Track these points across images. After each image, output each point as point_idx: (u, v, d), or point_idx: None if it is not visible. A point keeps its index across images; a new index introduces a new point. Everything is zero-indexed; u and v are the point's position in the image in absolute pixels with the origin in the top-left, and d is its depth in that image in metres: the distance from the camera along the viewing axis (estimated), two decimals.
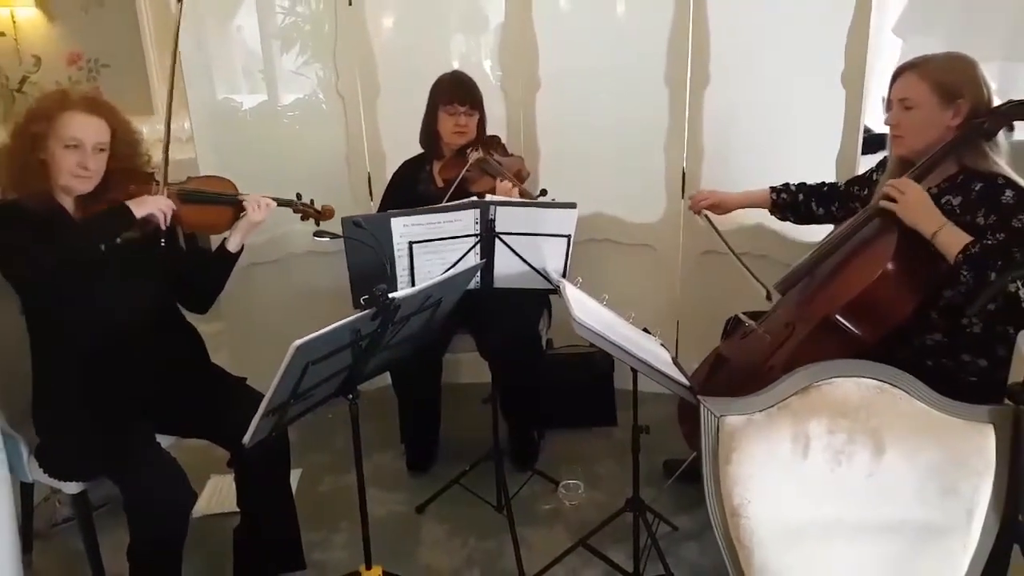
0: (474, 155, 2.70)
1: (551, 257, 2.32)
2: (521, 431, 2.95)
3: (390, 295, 1.70)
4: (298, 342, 1.55)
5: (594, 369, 3.17)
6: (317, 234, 2.13)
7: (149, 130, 2.63)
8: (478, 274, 2.31)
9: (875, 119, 3.00)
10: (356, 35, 3.19)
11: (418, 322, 1.96)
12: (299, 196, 2.46)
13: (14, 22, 4.82)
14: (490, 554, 2.49)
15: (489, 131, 2.88)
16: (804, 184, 2.52)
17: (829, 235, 2.31)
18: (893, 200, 1.99)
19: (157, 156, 2.30)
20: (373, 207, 3.21)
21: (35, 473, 2.18)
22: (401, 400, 2.94)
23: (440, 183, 2.82)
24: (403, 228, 2.23)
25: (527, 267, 2.32)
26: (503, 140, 2.93)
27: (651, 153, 3.18)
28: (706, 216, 2.59)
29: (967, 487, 1.45)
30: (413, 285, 2.19)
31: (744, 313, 2.39)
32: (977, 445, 1.46)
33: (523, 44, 3.18)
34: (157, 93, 4.96)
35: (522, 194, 2.53)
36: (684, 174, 3.15)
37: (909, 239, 1.96)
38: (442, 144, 2.85)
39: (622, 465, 2.85)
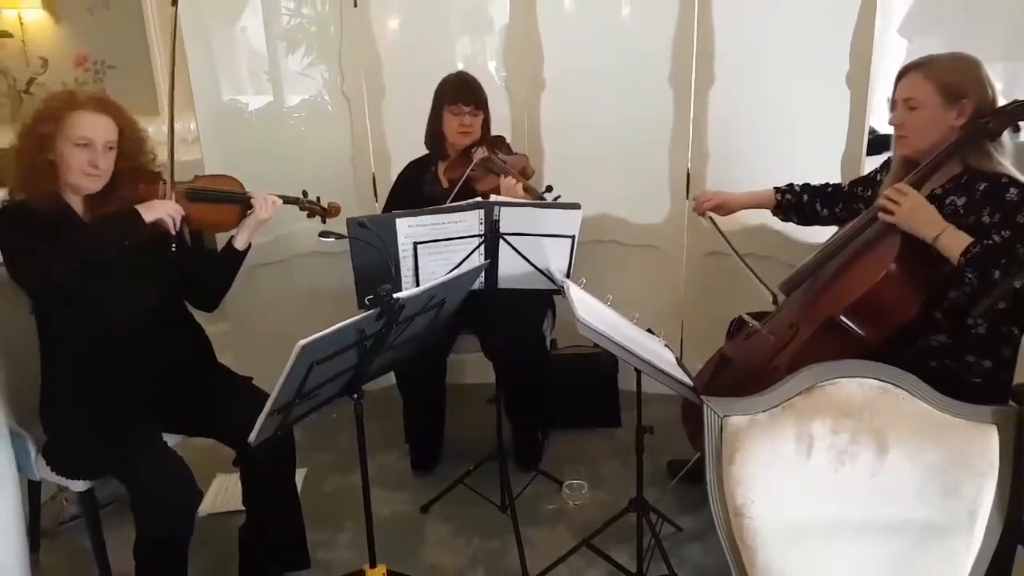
0: (479, 154, 2.70)
1: (555, 258, 2.33)
2: (525, 431, 2.96)
3: (394, 295, 1.71)
4: (303, 342, 1.56)
5: (598, 370, 3.18)
6: (322, 234, 2.14)
7: (155, 130, 2.64)
8: (482, 274, 2.32)
9: (880, 120, 2.99)
10: (361, 36, 3.20)
11: (422, 322, 1.97)
12: (305, 194, 2.47)
13: (21, 24, 4.85)
14: (494, 554, 2.50)
15: (494, 132, 2.89)
16: (808, 185, 2.52)
17: (833, 236, 2.31)
18: (890, 212, 2.00)
19: (163, 156, 2.31)
20: (378, 208, 3.22)
21: (42, 471, 2.19)
22: (406, 400, 2.95)
23: (445, 183, 2.82)
24: (408, 228, 2.23)
25: (531, 268, 2.32)
26: (507, 141, 2.94)
27: (655, 154, 3.19)
28: (710, 218, 2.59)
29: (970, 488, 1.45)
30: (418, 285, 2.19)
31: (748, 314, 2.39)
32: (980, 446, 1.45)
33: (527, 45, 3.19)
34: (163, 94, 4.98)
35: (527, 190, 2.53)
36: (688, 175, 3.16)
37: (912, 240, 1.96)
38: (447, 144, 2.85)
39: (626, 465, 2.85)
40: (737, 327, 2.53)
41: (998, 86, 2.03)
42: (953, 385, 1.55)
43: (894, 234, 2.01)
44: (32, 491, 2.42)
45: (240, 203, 2.31)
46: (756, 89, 2.97)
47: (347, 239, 2.15)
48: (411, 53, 3.27)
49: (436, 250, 2.28)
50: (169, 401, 2.19)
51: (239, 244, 2.32)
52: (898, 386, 1.49)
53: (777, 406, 1.50)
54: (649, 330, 2.17)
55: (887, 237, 2.04)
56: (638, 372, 2.02)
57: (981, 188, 1.96)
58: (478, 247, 2.30)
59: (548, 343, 3.02)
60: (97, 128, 2.07)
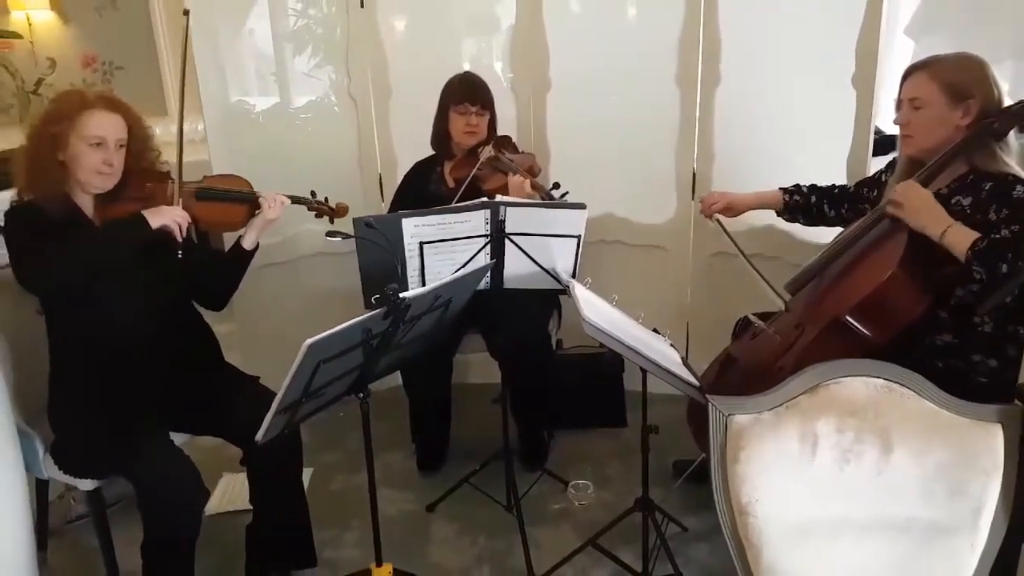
0: (486, 153, 2.71)
1: (561, 258, 2.33)
2: (531, 431, 2.96)
3: (401, 295, 1.72)
4: (310, 341, 1.57)
5: (604, 370, 3.18)
6: (329, 234, 2.15)
7: (163, 131, 2.65)
8: (488, 274, 2.32)
9: (886, 120, 2.99)
10: (368, 37, 3.21)
11: (428, 321, 1.97)
12: (313, 194, 2.48)
13: (30, 25, 4.88)
14: (499, 553, 2.50)
15: (500, 132, 2.89)
16: (815, 186, 2.52)
17: (839, 236, 2.31)
18: (899, 204, 2.00)
19: (171, 156, 2.32)
20: (384, 208, 3.23)
21: (50, 470, 2.20)
22: (412, 400, 2.96)
23: (451, 183, 2.83)
24: (414, 228, 2.24)
25: (537, 268, 2.33)
26: (513, 140, 2.94)
27: (661, 154, 3.19)
28: (718, 220, 2.57)
29: (975, 487, 1.45)
30: (424, 285, 2.20)
31: (754, 314, 2.39)
32: (986, 445, 1.46)
33: (534, 46, 3.19)
34: (170, 95, 5.01)
35: (535, 187, 2.54)
36: (695, 175, 3.16)
37: (918, 240, 1.96)
38: (453, 145, 2.86)
39: (631, 465, 2.85)
40: (743, 327, 2.53)
41: (1004, 86, 2.03)
42: (959, 384, 1.55)
43: (900, 233, 2.01)
44: (40, 490, 2.43)
45: (248, 203, 2.32)
46: (762, 89, 2.97)
47: (353, 239, 2.16)
48: (417, 54, 3.28)
49: (442, 250, 2.28)
50: (176, 400, 2.20)
51: (247, 244, 2.33)
52: (903, 385, 1.49)
53: (782, 405, 1.51)
54: (655, 330, 2.17)
55: (893, 236, 2.04)
56: (644, 372, 2.02)
57: (987, 188, 1.96)
58: (484, 247, 2.30)
59: (554, 343, 3.02)
60: (109, 127, 2.08)
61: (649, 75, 3.12)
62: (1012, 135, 1.99)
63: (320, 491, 2.82)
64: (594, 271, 2.38)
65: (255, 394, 2.23)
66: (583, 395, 3.19)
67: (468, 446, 2.97)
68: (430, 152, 2.95)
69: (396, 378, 2.94)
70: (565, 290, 2.21)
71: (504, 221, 2.27)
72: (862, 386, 1.49)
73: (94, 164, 2.06)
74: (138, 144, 2.19)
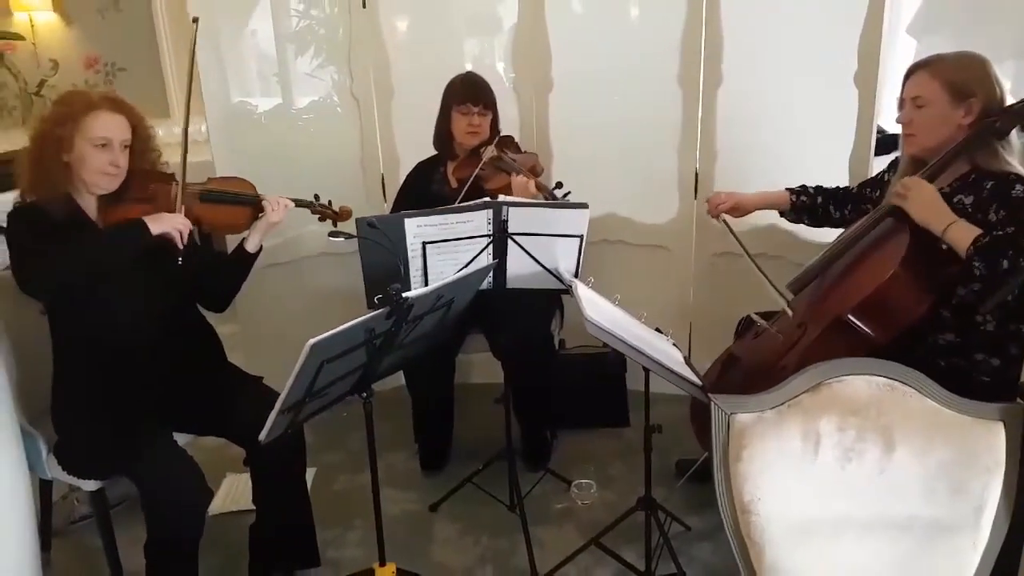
0: (488, 153, 2.71)
1: (563, 257, 2.34)
2: (533, 431, 2.96)
3: (403, 294, 1.72)
4: (313, 340, 1.57)
5: (606, 369, 3.18)
6: (332, 234, 2.15)
7: (165, 132, 2.66)
8: (491, 274, 2.33)
9: (888, 119, 2.99)
10: (370, 38, 3.21)
11: (431, 321, 1.98)
12: (317, 197, 2.48)
13: (32, 26, 4.89)
14: (503, 552, 2.51)
15: (502, 132, 2.89)
16: (820, 187, 2.52)
17: (841, 235, 2.31)
18: (903, 197, 2.00)
19: (173, 158, 2.32)
20: (387, 209, 3.23)
21: (54, 471, 2.21)
22: (415, 400, 2.96)
23: (454, 183, 2.83)
24: (417, 228, 2.24)
25: (539, 267, 2.33)
26: (516, 140, 2.95)
27: (664, 154, 3.19)
28: (724, 220, 2.55)
29: (977, 485, 1.45)
30: (426, 285, 2.20)
31: (757, 313, 2.40)
32: (987, 443, 1.46)
33: (536, 46, 3.19)
34: (173, 96, 5.02)
35: (538, 187, 2.54)
36: (697, 174, 3.16)
37: (921, 238, 1.96)
38: (455, 145, 2.86)
39: (634, 465, 2.85)
40: (745, 326, 2.53)
41: (1006, 85, 2.03)
42: (961, 383, 1.55)
43: (902, 233, 2.01)
44: (43, 490, 2.44)
45: (252, 206, 2.31)
46: (764, 89, 2.97)
47: (356, 239, 2.16)
48: (420, 54, 3.29)
49: (445, 250, 2.28)
50: (179, 401, 2.20)
51: (250, 246, 2.32)
52: (905, 383, 1.49)
53: (784, 404, 1.51)
54: (657, 329, 2.17)
55: (895, 236, 2.04)
56: (646, 371, 2.02)
57: (988, 187, 1.96)
58: (486, 247, 2.30)
59: (556, 343, 3.02)
60: (114, 128, 2.09)
61: (651, 75, 3.12)
62: (1014, 134, 1.99)
63: (323, 491, 2.83)
64: (596, 271, 2.39)
65: (258, 394, 2.23)
66: (586, 395, 3.19)
67: (471, 446, 2.97)
68: (432, 152, 2.95)
69: (399, 378, 2.95)
70: (568, 290, 2.21)
71: (507, 221, 2.27)
72: (864, 385, 1.50)
73: (100, 165, 2.07)
74: (141, 144, 2.19)
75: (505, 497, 2.67)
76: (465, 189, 2.64)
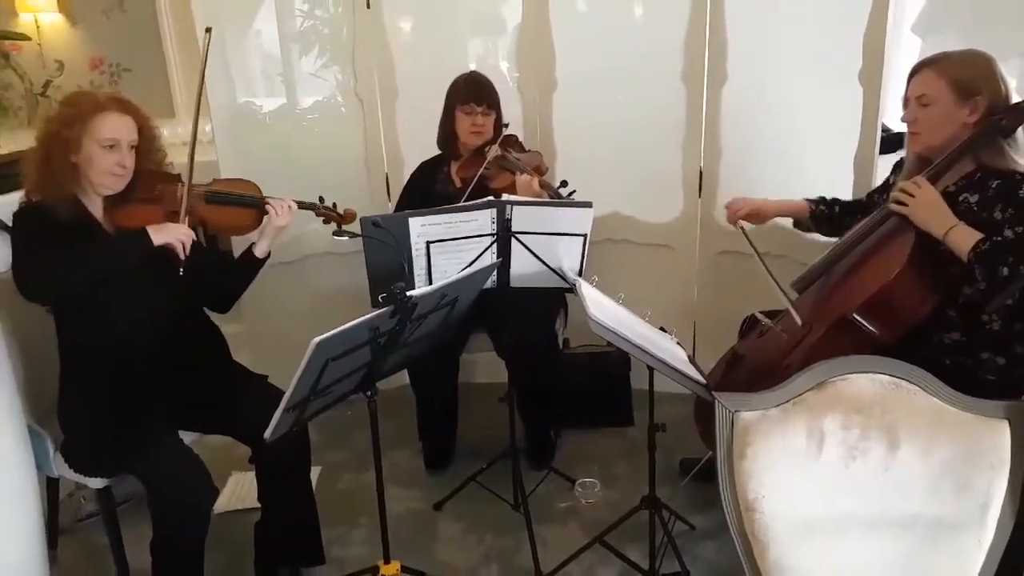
0: (493, 152, 2.72)
1: (567, 256, 2.34)
2: (537, 430, 2.96)
3: (407, 293, 1.72)
4: (318, 339, 1.58)
5: (610, 368, 3.18)
6: (336, 233, 2.16)
7: (170, 132, 2.66)
8: (494, 273, 2.33)
9: (893, 118, 2.99)
10: (374, 38, 3.22)
11: (435, 320, 1.98)
12: (321, 199, 2.48)
13: (38, 27, 4.90)
14: (507, 551, 2.51)
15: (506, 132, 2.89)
16: (836, 199, 2.48)
17: (846, 234, 2.30)
18: (904, 204, 2.00)
19: (177, 158, 2.33)
20: (391, 208, 3.23)
21: (61, 469, 2.22)
22: (419, 399, 2.96)
23: (458, 183, 2.84)
24: (421, 228, 2.25)
25: (543, 266, 2.33)
26: (520, 139, 2.95)
27: (668, 153, 3.19)
28: (741, 227, 2.51)
29: (982, 483, 1.45)
30: (430, 284, 2.21)
31: (761, 312, 2.39)
32: (992, 441, 1.46)
33: (540, 45, 3.20)
34: (178, 96, 5.03)
35: (543, 186, 2.54)
36: (701, 173, 3.16)
37: (926, 238, 1.96)
38: (459, 144, 2.86)
39: (638, 464, 2.86)
40: (750, 325, 2.53)
41: (1012, 83, 2.03)
42: (967, 382, 1.55)
43: (908, 232, 2.01)
44: (50, 488, 2.45)
45: (256, 207, 2.31)
46: (769, 87, 2.97)
47: (361, 238, 2.16)
48: (424, 54, 3.29)
49: (449, 249, 2.29)
50: (185, 400, 2.21)
51: (259, 252, 2.33)
52: (909, 381, 1.49)
53: (788, 402, 1.51)
54: (661, 328, 2.17)
55: (901, 235, 2.04)
56: (650, 370, 2.02)
57: (994, 185, 1.96)
58: (490, 246, 2.31)
59: (560, 342, 3.03)
60: (122, 128, 2.09)
61: (655, 74, 3.12)
62: (1020, 132, 1.98)
63: (328, 489, 2.83)
64: (600, 270, 2.39)
65: (263, 393, 2.24)
66: (590, 394, 3.19)
67: (475, 445, 2.97)
68: (436, 152, 2.95)
69: (403, 377, 2.95)
70: (572, 289, 2.21)
71: (510, 220, 2.27)
72: (868, 383, 1.49)
73: (107, 166, 2.08)
74: (147, 145, 2.20)
75: (509, 496, 2.67)
76: (470, 188, 2.64)
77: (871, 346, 1.96)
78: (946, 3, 3.51)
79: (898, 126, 2.56)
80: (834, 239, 2.58)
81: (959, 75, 2.00)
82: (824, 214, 2.47)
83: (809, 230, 2.54)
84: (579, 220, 2.29)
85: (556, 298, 2.96)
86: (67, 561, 2.54)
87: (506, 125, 2.78)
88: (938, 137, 2.05)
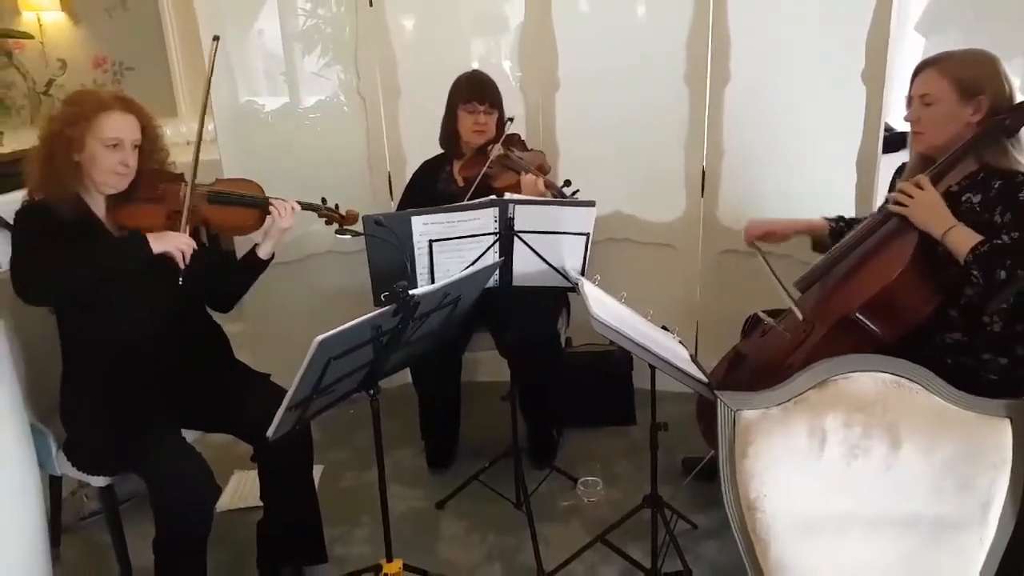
0: (495, 151, 2.72)
1: (570, 255, 2.34)
2: (540, 429, 2.97)
3: (410, 292, 1.73)
4: (320, 337, 1.58)
5: (612, 368, 3.18)
6: (339, 232, 2.17)
7: (173, 132, 2.66)
8: (497, 272, 2.33)
9: (896, 117, 2.98)
10: (377, 37, 3.22)
11: (438, 319, 1.98)
12: (324, 200, 2.48)
13: (40, 26, 4.91)
14: (509, 549, 2.51)
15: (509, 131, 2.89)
16: (855, 218, 2.47)
17: (849, 233, 2.30)
18: (904, 204, 2.00)
19: (179, 158, 2.33)
20: (393, 207, 3.23)
21: (63, 467, 2.22)
22: (421, 398, 2.97)
23: (461, 182, 2.83)
24: (423, 226, 2.25)
25: (546, 265, 2.33)
26: (522, 138, 2.95)
27: (670, 152, 3.19)
28: (757, 247, 2.48)
29: (983, 481, 1.45)
30: (433, 283, 2.21)
31: (764, 311, 2.39)
32: (994, 440, 1.46)
33: (542, 45, 3.20)
34: (180, 95, 5.03)
35: (547, 185, 2.54)
36: (704, 173, 3.16)
37: (929, 238, 1.96)
38: (462, 143, 2.86)
39: (640, 463, 2.86)
40: (752, 325, 2.53)
41: (1015, 82, 2.02)
42: (969, 382, 1.55)
43: (910, 232, 2.01)
44: (53, 486, 2.45)
45: (259, 207, 2.31)
46: (771, 86, 2.97)
47: (363, 237, 2.17)
48: (426, 53, 3.29)
49: (451, 248, 2.29)
50: (187, 398, 2.21)
51: (263, 253, 2.33)
52: (911, 380, 1.49)
53: (790, 400, 1.51)
54: (664, 327, 2.17)
55: (903, 235, 2.04)
56: (652, 369, 2.02)
57: (996, 186, 1.96)
58: (493, 245, 2.31)
59: (563, 341, 3.03)
60: (126, 128, 2.10)
61: (658, 73, 3.12)
62: (1023, 132, 1.98)
63: (330, 488, 2.83)
64: (603, 269, 2.39)
65: (266, 391, 2.24)
66: (592, 393, 3.19)
67: (477, 444, 2.98)
68: (439, 151, 2.95)
69: (406, 376, 2.96)
70: (574, 288, 2.22)
71: (513, 219, 2.27)
72: (870, 381, 1.49)
73: (110, 165, 2.08)
74: (150, 144, 2.20)
75: (511, 494, 2.67)
76: (473, 188, 2.64)
77: (873, 346, 1.96)
78: (950, 2, 3.52)
79: (901, 125, 2.55)
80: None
81: (962, 74, 2.00)
82: (844, 230, 2.42)
83: (827, 249, 2.49)
84: (582, 219, 2.29)
85: (558, 297, 2.96)
86: (69, 559, 2.54)
87: (511, 119, 2.78)
88: (941, 137, 2.05)
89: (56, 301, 2.09)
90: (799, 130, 2.95)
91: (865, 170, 2.75)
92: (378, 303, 1.77)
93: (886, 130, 2.78)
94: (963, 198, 2.00)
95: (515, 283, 2.39)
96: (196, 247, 2.12)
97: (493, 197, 2.32)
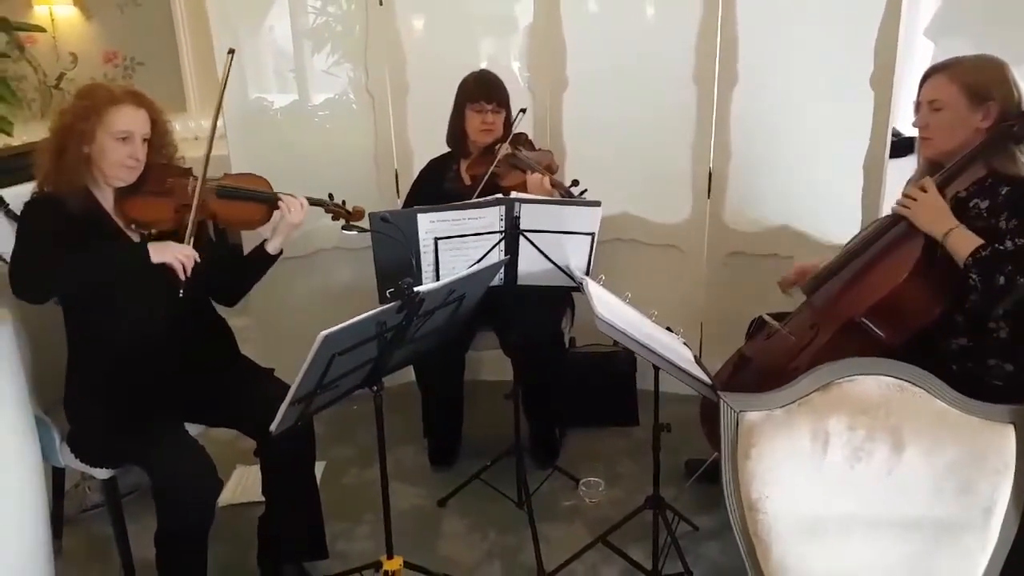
0: (503, 150, 2.72)
1: (575, 255, 2.34)
2: (542, 428, 2.97)
3: (415, 289, 1.73)
4: (325, 333, 1.58)
5: (616, 368, 3.18)
6: (346, 228, 2.17)
7: (182, 127, 2.67)
8: (502, 271, 2.33)
9: (904, 122, 2.98)
10: (386, 35, 3.22)
11: (442, 316, 1.98)
12: (331, 196, 2.48)
13: (52, 20, 4.93)
14: (510, 549, 2.51)
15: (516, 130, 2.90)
16: None
17: (855, 237, 2.30)
18: (907, 207, 2.01)
19: (189, 153, 2.34)
20: (400, 205, 3.24)
21: (66, 459, 2.23)
22: (424, 396, 2.97)
23: (468, 181, 2.84)
24: (429, 224, 2.25)
25: (551, 265, 2.33)
26: (530, 137, 2.95)
27: (678, 153, 3.19)
28: (790, 294, 2.43)
29: (986, 486, 1.45)
30: (438, 280, 2.21)
31: (769, 314, 2.39)
32: (997, 445, 1.45)
33: (551, 45, 3.20)
34: (191, 91, 5.05)
35: (554, 185, 2.54)
36: (711, 174, 3.16)
37: (935, 243, 1.96)
38: (469, 142, 2.87)
39: (643, 464, 2.86)
40: (757, 327, 2.52)
41: None
42: (974, 388, 1.54)
43: (917, 236, 2.01)
44: (56, 478, 2.46)
45: (267, 202, 2.31)
46: (780, 89, 2.96)
47: (369, 233, 2.17)
48: (435, 52, 3.29)
49: (457, 246, 2.29)
50: (191, 392, 2.22)
51: (271, 248, 2.32)
52: (915, 384, 1.49)
53: (794, 402, 1.51)
54: (668, 328, 2.17)
55: (910, 239, 2.03)
56: (656, 370, 2.02)
57: (1004, 192, 1.95)
58: (498, 243, 2.31)
59: (567, 341, 3.03)
60: (135, 121, 2.11)
61: (666, 74, 3.12)
62: None
63: (332, 484, 2.84)
64: (608, 269, 2.38)
65: (270, 386, 2.24)
66: (595, 393, 3.19)
67: (480, 442, 2.98)
68: (446, 149, 2.96)
69: (409, 374, 2.96)
70: (579, 287, 2.22)
71: (519, 218, 2.28)
72: (874, 384, 1.49)
73: (120, 158, 2.09)
74: (159, 139, 2.21)
75: (513, 494, 2.67)
76: (481, 186, 2.64)
77: (878, 349, 1.96)
78: (959, 7, 3.50)
79: (909, 130, 2.55)
80: (837, 238, 2.59)
81: (971, 80, 2.00)
82: None
83: None
84: (587, 219, 2.29)
85: (563, 297, 2.96)
86: (71, 552, 2.55)
87: (523, 110, 2.77)
88: (950, 142, 2.04)
89: (46, 300, 2.07)
90: (806, 133, 2.95)
91: (872, 175, 2.74)
92: (383, 299, 1.77)
93: (894, 135, 2.78)
94: (971, 203, 1.99)
95: (520, 282, 2.39)
96: (199, 259, 2.11)
97: (499, 195, 2.32)
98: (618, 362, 3.18)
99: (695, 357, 2.08)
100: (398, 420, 3.06)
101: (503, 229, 2.30)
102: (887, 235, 2.14)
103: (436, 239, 2.26)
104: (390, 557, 2.08)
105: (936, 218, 1.95)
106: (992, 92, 1.98)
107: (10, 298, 2.08)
